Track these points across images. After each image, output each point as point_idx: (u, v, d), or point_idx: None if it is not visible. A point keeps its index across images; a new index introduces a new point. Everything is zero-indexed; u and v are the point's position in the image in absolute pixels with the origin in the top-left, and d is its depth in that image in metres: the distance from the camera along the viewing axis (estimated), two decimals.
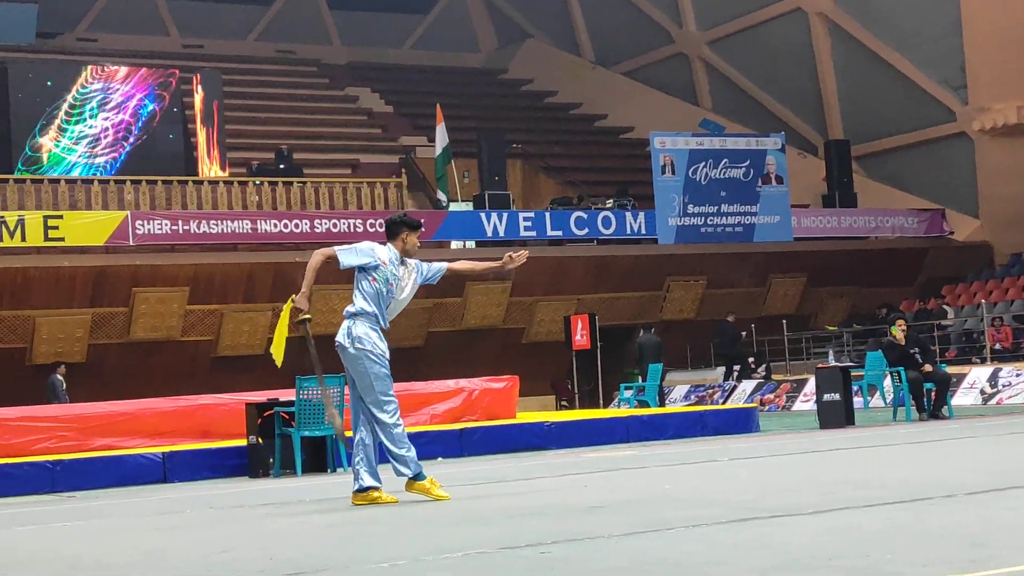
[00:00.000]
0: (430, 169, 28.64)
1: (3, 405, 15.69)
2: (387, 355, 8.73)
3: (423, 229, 9.30)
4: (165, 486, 13.08)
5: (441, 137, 27.40)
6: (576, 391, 26.96)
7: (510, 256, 9.01)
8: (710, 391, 26.97)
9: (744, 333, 27.60)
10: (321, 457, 13.73)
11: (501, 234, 26.62)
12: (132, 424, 14.67)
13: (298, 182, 26.11)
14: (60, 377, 22.09)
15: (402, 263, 8.86)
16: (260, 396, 14.55)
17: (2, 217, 22.40)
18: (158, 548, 7.07)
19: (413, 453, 8.50)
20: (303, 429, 13.37)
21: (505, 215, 26.78)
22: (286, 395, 14.00)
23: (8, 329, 22.93)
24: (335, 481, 12.16)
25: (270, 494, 10.80)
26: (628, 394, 23.36)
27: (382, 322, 8.78)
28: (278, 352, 8.92)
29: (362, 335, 8.60)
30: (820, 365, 18.48)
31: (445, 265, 9.17)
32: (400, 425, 8.51)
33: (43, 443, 13.99)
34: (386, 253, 8.78)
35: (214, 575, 5.62)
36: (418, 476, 8.50)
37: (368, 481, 8.60)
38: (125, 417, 14.76)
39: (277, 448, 13.42)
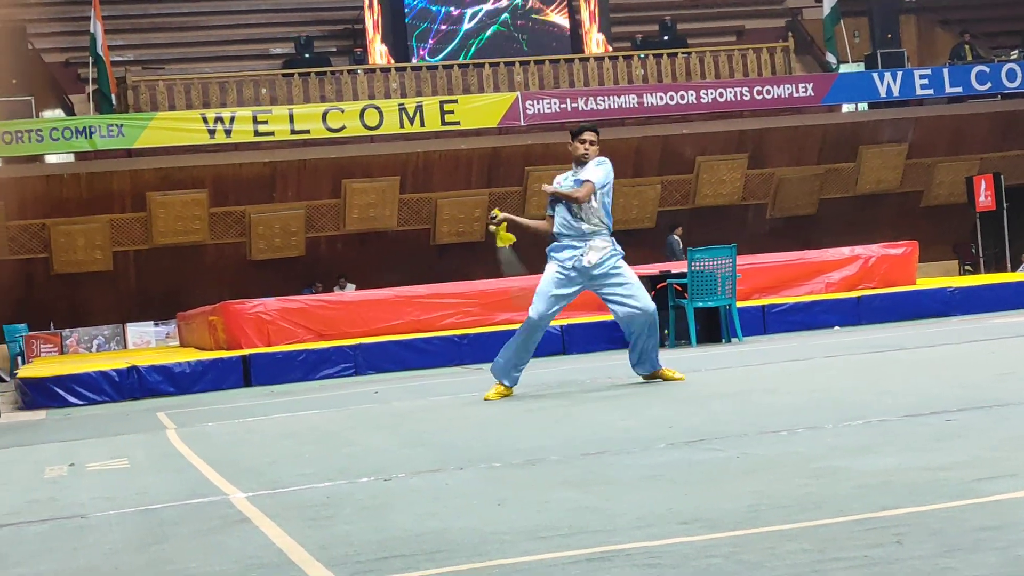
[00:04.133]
0: (818, 31, 27.69)
1: (411, 283, 16.55)
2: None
3: (583, 135, 9.07)
4: (564, 357, 13.48)
5: None
6: (980, 255, 25.73)
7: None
8: None
9: None
10: (715, 327, 13.75)
11: (895, 94, 25.52)
12: (531, 299, 15.10)
13: (682, 53, 25.88)
14: (677, 237, 23.07)
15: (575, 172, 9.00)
16: (653, 269, 14.69)
17: (402, 104, 23.42)
18: (557, 419, 7.29)
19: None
20: (696, 300, 13.42)
21: (899, 74, 25.61)
22: (678, 267, 14.08)
23: (412, 212, 24.09)
24: (731, 351, 12.18)
25: (666, 364, 10.91)
26: None
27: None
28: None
29: None
30: None
31: (583, 188, 8.87)
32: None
33: (450, 318, 14.69)
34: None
35: (617, 443, 5.74)
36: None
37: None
38: (525, 292, 15.23)
39: (671, 319, 13.54)
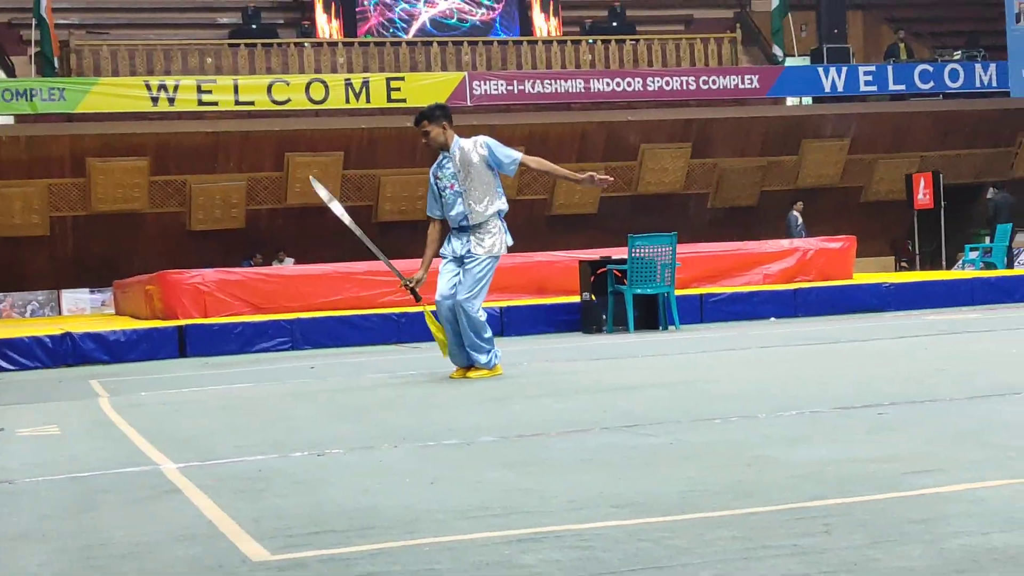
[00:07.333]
0: (766, 23, 27.86)
1: (351, 260, 16.48)
2: (449, 255, 8.81)
3: (418, 125, 9.01)
4: (501, 339, 13.47)
5: None
6: (917, 252, 26.04)
7: (592, 176, 8.54)
8: None
9: None
10: (653, 314, 13.81)
11: (840, 89, 25.73)
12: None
13: (631, 39, 25.94)
14: (796, 213, 23.08)
15: (443, 156, 8.86)
16: (593, 254, 14.73)
17: (348, 79, 23.29)
18: (493, 400, 7.29)
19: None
20: (635, 287, 13.48)
21: (844, 69, 25.81)
22: (619, 253, 14.12)
23: (355, 188, 23.98)
24: (668, 338, 12.25)
25: (604, 349, 10.97)
26: (973, 255, 22.39)
27: (451, 223, 8.81)
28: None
29: None
30: None
31: (519, 156, 8.82)
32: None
33: (389, 296, 14.64)
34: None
35: (552, 426, 5.76)
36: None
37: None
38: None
39: (610, 305, 13.59)
